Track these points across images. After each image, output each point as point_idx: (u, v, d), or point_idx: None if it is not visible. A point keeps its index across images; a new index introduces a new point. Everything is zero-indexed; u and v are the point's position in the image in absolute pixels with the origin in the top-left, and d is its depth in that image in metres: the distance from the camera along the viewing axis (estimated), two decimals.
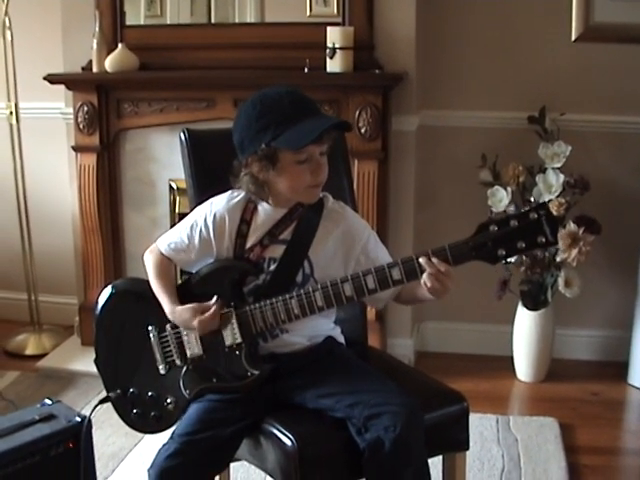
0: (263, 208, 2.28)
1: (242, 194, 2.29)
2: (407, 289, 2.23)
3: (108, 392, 2.33)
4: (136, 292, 2.36)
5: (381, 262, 2.22)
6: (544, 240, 2.00)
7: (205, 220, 2.28)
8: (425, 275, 2.06)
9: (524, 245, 2.01)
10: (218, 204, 2.30)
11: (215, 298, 2.20)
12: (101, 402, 2.35)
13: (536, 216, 2.00)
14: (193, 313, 2.19)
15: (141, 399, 2.29)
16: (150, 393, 2.28)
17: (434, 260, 2.05)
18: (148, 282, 2.32)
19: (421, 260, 2.06)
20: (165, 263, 2.32)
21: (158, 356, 2.26)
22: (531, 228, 2.00)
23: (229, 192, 2.31)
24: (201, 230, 2.28)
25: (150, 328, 2.27)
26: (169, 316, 2.24)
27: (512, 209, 3.58)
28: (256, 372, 2.19)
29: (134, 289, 2.39)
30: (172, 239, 2.33)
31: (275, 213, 2.27)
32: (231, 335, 2.19)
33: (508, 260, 3.01)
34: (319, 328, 2.31)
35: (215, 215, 2.28)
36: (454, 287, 2.08)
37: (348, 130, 2.28)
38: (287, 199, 2.26)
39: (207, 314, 2.18)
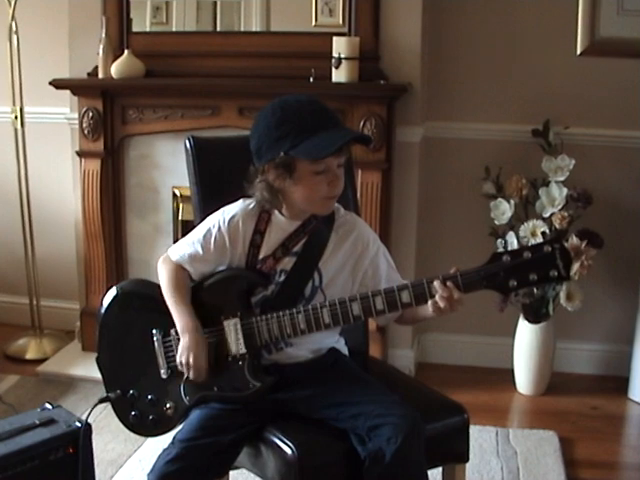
0: (277, 219, 2.26)
1: (255, 203, 2.27)
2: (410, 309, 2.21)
3: (108, 392, 2.32)
4: (142, 294, 2.35)
5: (386, 279, 2.24)
6: (557, 274, 2.00)
7: (219, 227, 2.25)
8: (437, 297, 2.06)
9: (536, 277, 2.01)
10: (231, 211, 2.27)
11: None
12: (100, 401, 2.35)
13: (550, 249, 1.99)
14: (196, 347, 2.17)
15: (140, 401, 2.28)
16: (150, 396, 2.27)
17: (449, 284, 2.04)
18: (155, 285, 2.30)
19: (435, 283, 2.05)
20: (180, 273, 2.28)
21: (160, 360, 2.25)
22: (544, 261, 2.00)
23: (241, 200, 2.29)
24: (216, 238, 2.25)
25: (154, 332, 2.26)
26: (179, 331, 2.20)
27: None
28: (258, 384, 2.18)
29: (140, 291, 2.37)
30: (186, 250, 2.29)
31: (289, 225, 2.25)
32: (235, 345, 2.19)
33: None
34: (324, 342, 2.31)
35: (229, 221, 2.25)
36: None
37: (368, 144, 2.27)
38: (301, 210, 2.24)
39: (200, 361, 2.17)
